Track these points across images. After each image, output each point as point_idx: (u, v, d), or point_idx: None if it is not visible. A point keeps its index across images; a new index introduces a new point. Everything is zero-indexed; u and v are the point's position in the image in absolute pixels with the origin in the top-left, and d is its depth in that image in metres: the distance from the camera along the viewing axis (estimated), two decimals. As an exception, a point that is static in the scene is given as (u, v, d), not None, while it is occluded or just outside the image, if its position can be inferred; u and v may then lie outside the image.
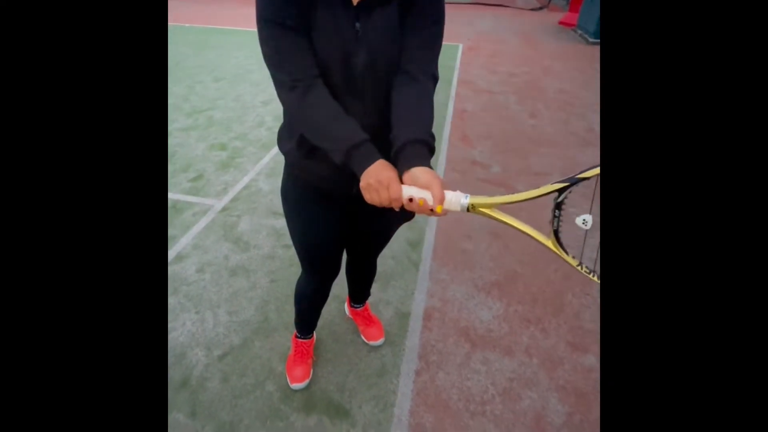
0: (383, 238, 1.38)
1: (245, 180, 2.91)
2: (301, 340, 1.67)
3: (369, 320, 1.83)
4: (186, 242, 2.32)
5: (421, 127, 0.87)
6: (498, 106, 4.18)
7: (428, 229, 2.45)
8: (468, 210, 0.84)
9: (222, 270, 2.14)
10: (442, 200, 0.82)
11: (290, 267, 2.15)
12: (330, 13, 0.87)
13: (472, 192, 0.92)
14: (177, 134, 3.56)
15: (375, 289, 2.01)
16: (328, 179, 1.07)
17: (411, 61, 0.92)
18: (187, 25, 7.93)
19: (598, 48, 6.42)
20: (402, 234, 2.39)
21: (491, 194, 0.85)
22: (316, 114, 0.88)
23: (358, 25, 0.88)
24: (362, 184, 0.84)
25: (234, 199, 2.70)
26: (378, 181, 0.81)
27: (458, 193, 0.84)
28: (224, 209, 2.60)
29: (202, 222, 2.48)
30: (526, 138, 3.54)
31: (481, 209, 0.86)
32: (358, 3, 0.88)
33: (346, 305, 1.91)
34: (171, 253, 2.23)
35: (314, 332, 1.72)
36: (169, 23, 8.04)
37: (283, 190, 1.21)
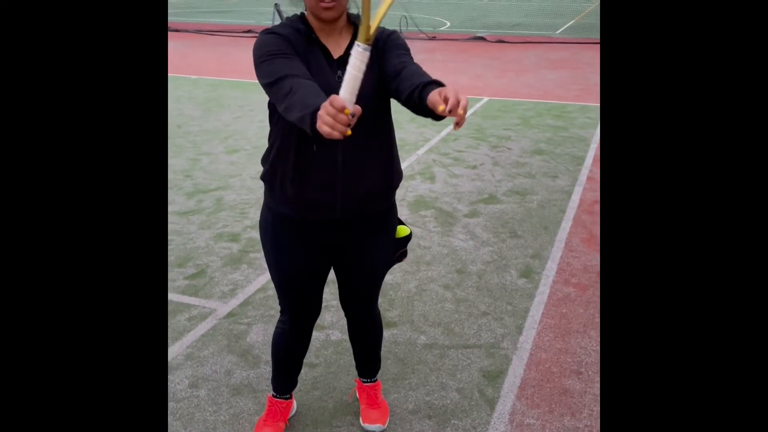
0: (371, 277, 2.20)
1: (261, 280, 3.68)
2: (276, 399, 2.47)
3: (374, 400, 2.46)
4: (177, 351, 3.03)
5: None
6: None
7: (516, 357, 2.99)
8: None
9: (222, 387, 2.79)
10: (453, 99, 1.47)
11: (312, 390, 2.76)
12: (316, 63, 1.88)
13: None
14: (174, 219, 4.53)
15: (428, 427, 2.54)
16: (307, 205, 1.99)
17: (411, 77, 1.77)
18: (193, 76, 9.75)
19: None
20: (476, 362, 2.94)
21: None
22: (301, 91, 1.65)
23: (339, 72, 1.85)
24: (317, 124, 1.48)
25: (244, 303, 3.44)
26: (322, 105, 1.46)
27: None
28: (230, 314, 3.33)
29: (201, 328, 3.21)
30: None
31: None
32: (339, 57, 1.90)
33: (356, 388, 2.66)
34: (159, 363, 2.93)
35: (293, 395, 2.54)
36: (171, 73, 9.90)
37: (261, 222, 2.16)
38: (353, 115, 1.44)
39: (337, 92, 1.56)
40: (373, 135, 1.98)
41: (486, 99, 8.21)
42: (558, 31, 15.02)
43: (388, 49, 1.92)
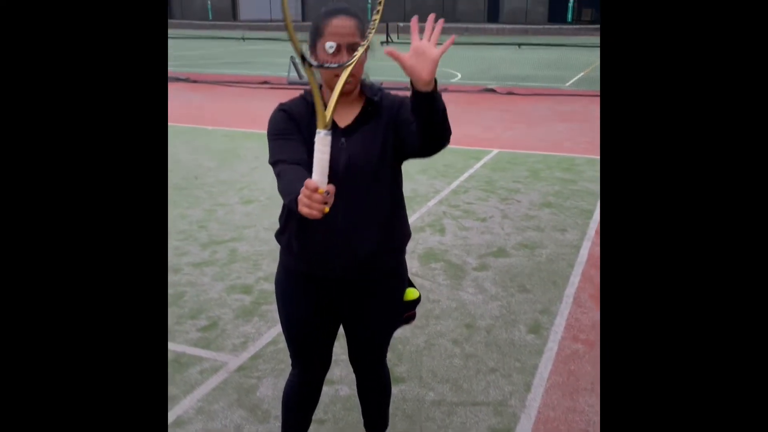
0: (376, 336, 2.26)
1: (272, 333, 3.70)
2: None
3: None
4: (189, 404, 3.05)
5: None
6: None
7: (524, 416, 2.97)
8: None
9: (232, 443, 2.80)
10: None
11: (320, 447, 2.76)
12: None
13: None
14: (188, 270, 4.58)
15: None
16: (310, 261, 2.12)
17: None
18: (210, 127, 9.93)
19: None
20: (484, 420, 2.93)
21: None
22: (285, 178, 1.87)
23: (343, 140, 1.98)
24: (299, 206, 1.64)
25: (255, 357, 3.46)
26: (301, 189, 1.62)
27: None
28: (241, 368, 3.35)
29: (212, 381, 3.23)
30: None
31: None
32: (345, 126, 2.01)
33: None
34: (170, 416, 2.95)
35: None
36: (188, 124, 10.11)
37: (276, 278, 2.29)
38: (327, 193, 1.60)
39: (335, 157, 1.77)
40: (375, 198, 2.06)
41: (496, 151, 8.29)
42: (567, 84, 15.20)
43: (401, 115, 2.00)
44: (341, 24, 1.88)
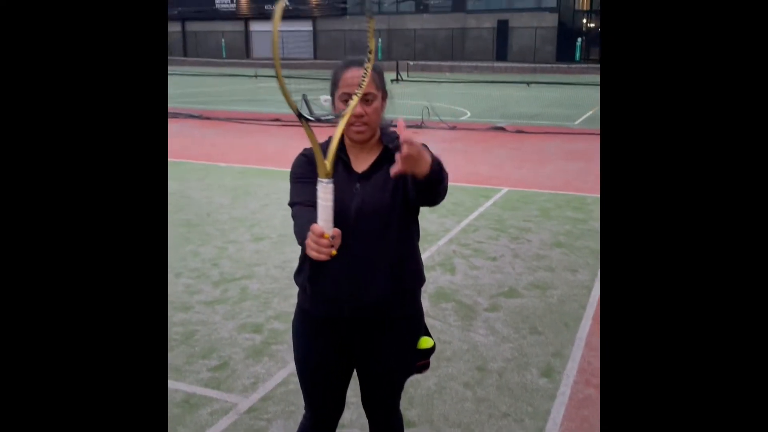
0: (388, 382, 2.24)
1: (282, 374, 3.67)
2: None
3: None
4: (199, 448, 3.02)
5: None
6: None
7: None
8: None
9: (241, 488, 2.75)
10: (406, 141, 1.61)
11: (331, 493, 2.71)
12: (337, 177, 1.89)
13: None
14: (200, 309, 4.58)
15: None
16: (322, 302, 2.14)
17: None
18: (223, 164, 10.02)
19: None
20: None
21: None
22: (299, 221, 1.96)
23: (358, 185, 2.05)
24: (307, 250, 1.73)
25: (265, 398, 3.43)
26: (309, 234, 1.71)
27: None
28: (251, 410, 3.32)
29: (222, 423, 3.19)
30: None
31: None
32: (362, 172, 2.06)
33: None
34: (180, 460, 2.91)
35: None
36: (201, 161, 10.20)
37: (293, 322, 2.32)
38: (333, 237, 1.69)
39: (348, 201, 1.95)
40: (385, 242, 2.08)
41: (506, 189, 8.31)
42: (576, 122, 15.27)
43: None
44: (355, 75, 1.94)
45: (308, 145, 1.88)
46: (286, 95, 1.72)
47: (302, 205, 1.99)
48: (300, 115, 1.79)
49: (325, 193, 1.72)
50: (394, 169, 1.67)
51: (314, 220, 1.78)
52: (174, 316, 4.42)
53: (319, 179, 1.73)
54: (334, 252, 1.68)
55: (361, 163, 2.08)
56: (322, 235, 1.68)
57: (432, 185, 1.81)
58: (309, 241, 1.70)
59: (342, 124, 1.85)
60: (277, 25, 1.62)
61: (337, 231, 1.71)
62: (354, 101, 1.86)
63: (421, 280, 2.23)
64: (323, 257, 1.68)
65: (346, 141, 2.08)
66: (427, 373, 3.67)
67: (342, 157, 2.07)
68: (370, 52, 1.84)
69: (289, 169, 2.12)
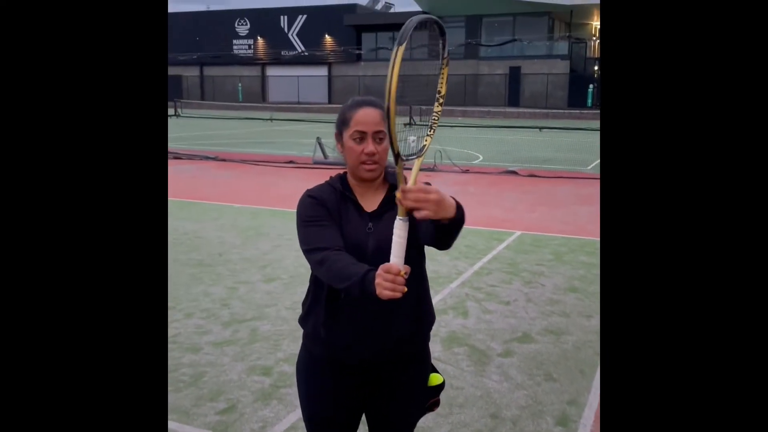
0: (402, 424, 2.15)
1: (291, 418, 3.58)
2: None
3: None
4: (204, 495, 2.92)
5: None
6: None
7: None
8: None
9: None
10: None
11: None
12: (347, 215, 2.02)
13: None
14: (209, 350, 4.50)
15: None
16: (338, 347, 2.06)
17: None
18: (237, 205, 10.04)
19: None
20: None
21: None
22: (337, 264, 1.85)
23: (370, 225, 2.03)
24: (376, 291, 1.68)
25: (273, 444, 3.33)
26: (378, 274, 1.68)
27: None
28: (259, 455, 3.22)
29: (229, 470, 3.10)
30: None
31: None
32: (372, 211, 2.04)
33: None
34: (184, 507, 2.81)
35: None
36: (216, 201, 10.23)
37: (298, 363, 2.24)
38: (406, 274, 1.69)
39: (363, 241, 2.00)
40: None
41: (518, 233, 8.24)
42: (588, 167, 15.25)
43: None
44: (368, 113, 1.97)
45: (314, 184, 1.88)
46: (393, 138, 1.70)
47: (330, 250, 1.92)
48: (397, 155, 1.77)
49: (401, 230, 1.74)
50: (420, 214, 1.66)
51: (352, 261, 1.83)
52: (183, 357, 4.34)
53: (398, 217, 1.73)
54: (405, 289, 1.69)
55: (369, 203, 2.07)
56: (398, 273, 1.67)
57: (454, 229, 1.80)
58: (381, 281, 1.67)
59: (418, 163, 1.82)
60: (397, 69, 1.59)
61: (408, 267, 1.71)
62: (427, 142, 1.87)
63: (434, 318, 2.22)
64: (398, 295, 1.67)
65: (351, 181, 2.08)
66: (439, 419, 3.58)
67: (350, 197, 2.05)
68: (441, 96, 1.88)
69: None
